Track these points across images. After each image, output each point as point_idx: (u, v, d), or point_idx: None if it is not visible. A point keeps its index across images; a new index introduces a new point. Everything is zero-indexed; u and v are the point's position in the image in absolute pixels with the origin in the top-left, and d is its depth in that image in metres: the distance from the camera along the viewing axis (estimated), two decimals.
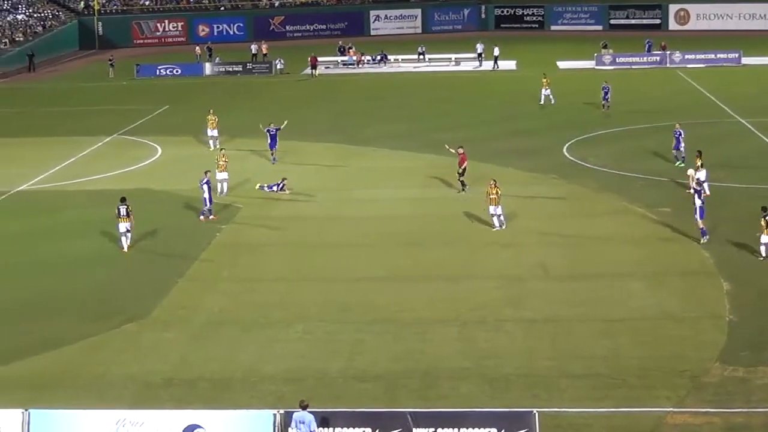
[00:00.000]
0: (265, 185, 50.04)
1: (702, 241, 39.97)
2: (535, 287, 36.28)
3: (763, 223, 37.77)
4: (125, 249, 41.78)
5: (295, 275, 38.49)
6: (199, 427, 25.19)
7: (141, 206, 47.06)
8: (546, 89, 72.62)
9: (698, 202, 40.46)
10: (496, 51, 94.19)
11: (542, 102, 72.53)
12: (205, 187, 45.17)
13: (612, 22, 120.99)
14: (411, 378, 29.22)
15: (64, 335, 32.98)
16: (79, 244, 43.11)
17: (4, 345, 32.39)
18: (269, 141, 55.69)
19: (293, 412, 24.85)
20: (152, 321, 34.19)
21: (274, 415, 25.26)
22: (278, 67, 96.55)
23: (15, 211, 48.76)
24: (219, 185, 49.11)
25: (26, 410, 25.68)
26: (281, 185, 49.77)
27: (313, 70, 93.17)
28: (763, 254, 38.06)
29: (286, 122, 56.78)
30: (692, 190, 41.70)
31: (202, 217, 45.44)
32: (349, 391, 28.53)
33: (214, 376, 29.66)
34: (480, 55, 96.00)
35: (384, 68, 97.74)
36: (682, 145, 52.12)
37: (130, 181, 53.21)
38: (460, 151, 48.48)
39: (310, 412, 24.56)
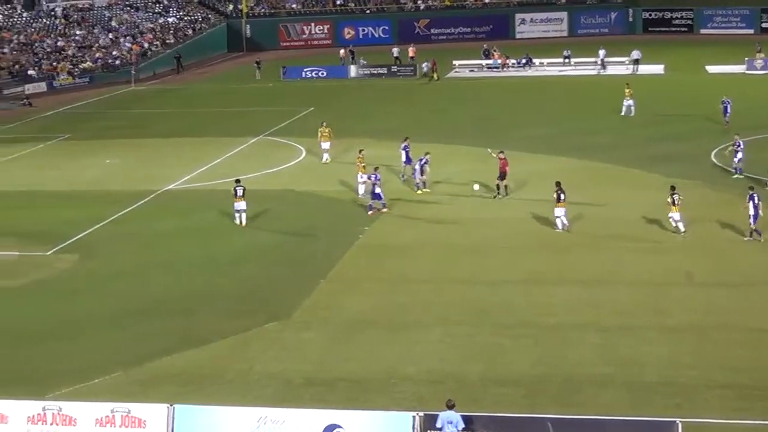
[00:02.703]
0: (416, 183, 50.65)
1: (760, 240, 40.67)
2: (678, 294, 35.70)
3: None
4: (237, 222, 45.32)
5: (436, 277, 38.56)
6: (339, 426, 25.39)
7: (285, 207, 48.02)
8: (628, 99, 69.87)
9: (751, 209, 40.83)
10: (637, 54, 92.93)
11: (623, 113, 69.85)
12: (373, 181, 46.91)
13: (764, 25, 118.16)
14: (551, 383, 28.99)
15: (209, 332, 33.61)
16: (225, 242, 43.88)
17: (152, 341, 33.11)
18: (404, 158, 53.37)
19: (432, 414, 24.96)
20: (295, 320, 34.61)
21: (413, 417, 25.32)
22: (424, 70, 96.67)
23: (162, 210, 49.83)
24: (358, 187, 49.73)
25: (171, 405, 26.21)
26: (424, 161, 50.61)
27: (434, 74, 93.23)
28: None
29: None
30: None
31: (370, 212, 46.91)
32: (488, 395, 28.46)
33: (354, 377, 29.87)
34: (602, 61, 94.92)
35: (529, 72, 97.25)
36: (740, 155, 51.47)
37: (275, 182, 53.98)
38: (501, 156, 48.88)
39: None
